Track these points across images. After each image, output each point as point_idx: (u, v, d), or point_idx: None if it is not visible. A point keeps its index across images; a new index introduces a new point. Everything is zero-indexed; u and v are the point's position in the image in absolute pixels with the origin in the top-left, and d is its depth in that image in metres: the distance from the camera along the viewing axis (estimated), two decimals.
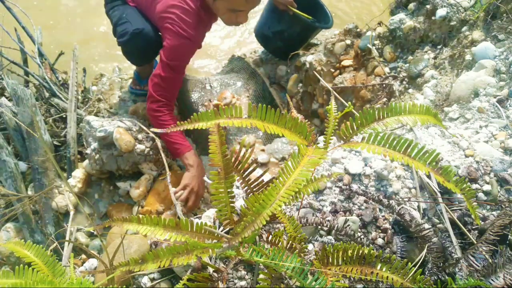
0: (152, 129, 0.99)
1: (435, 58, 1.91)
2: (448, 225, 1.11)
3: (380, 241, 1.08)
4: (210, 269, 0.99)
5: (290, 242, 0.91)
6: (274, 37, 2.50)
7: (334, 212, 1.14)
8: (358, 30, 2.30)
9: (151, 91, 1.87)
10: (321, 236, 1.08)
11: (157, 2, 1.85)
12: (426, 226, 1.09)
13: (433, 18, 1.92)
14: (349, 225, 1.07)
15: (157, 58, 2.12)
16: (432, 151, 0.78)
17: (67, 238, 1.37)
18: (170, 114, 1.89)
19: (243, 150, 0.99)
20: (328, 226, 1.06)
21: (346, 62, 2.25)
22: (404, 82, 1.97)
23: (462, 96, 1.54)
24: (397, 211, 1.11)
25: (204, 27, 1.94)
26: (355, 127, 0.86)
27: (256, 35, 2.65)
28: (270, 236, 0.94)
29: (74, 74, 2.30)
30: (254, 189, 1.00)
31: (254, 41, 2.74)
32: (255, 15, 2.82)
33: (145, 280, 1.03)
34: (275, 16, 2.41)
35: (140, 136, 1.90)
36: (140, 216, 0.83)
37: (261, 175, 1.01)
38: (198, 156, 1.93)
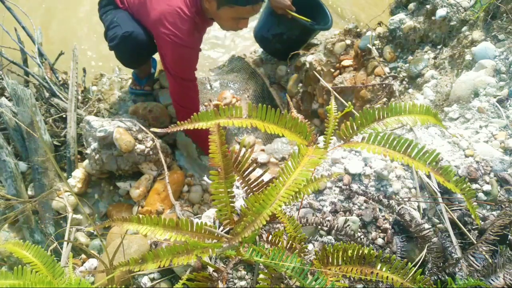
0: (152, 129, 0.99)
1: (435, 58, 1.91)
2: (448, 225, 1.11)
3: (380, 241, 1.08)
4: (210, 269, 0.99)
5: (290, 242, 0.91)
6: (273, 40, 2.51)
7: (334, 212, 1.14)
8: (358, 30, 2.30)
9: (177, 105, 1.94)
10: (321, 236, 1.08)
11: (151, 8, 1.83)
12: (426, 226, 1.09)
13: (433, 18, 1.92)
14: (349, 225, 1.07)
15: (155, 55, 2.13)
16: (432, 151, 0.78)
17: (65, 239, 1.37)
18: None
19: (243, 150, 0.99)
20: (328, 226, 1.06)
21: (346, 62, 2.25)
22: (404, 82, 1.97)
23: (462, 96, 1.54)
24: (397, 211, 1.11)
25: (199, 32, 1.94)
26: (355, 127, 0.86)
27: (255, 37, 2.66)
28: (270, 236, 0.94)
29: (74, 74, 2.30)
30: (254, 189, 1.00)
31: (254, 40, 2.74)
32: (254, 17, 2.81)
33: (145, 280, 1.03)
34: (274, 19, 2.41)
35: (140, 136, 1.90)
36: (140, 216, 0.83)
37: (261, 175, 1.01)
38: None
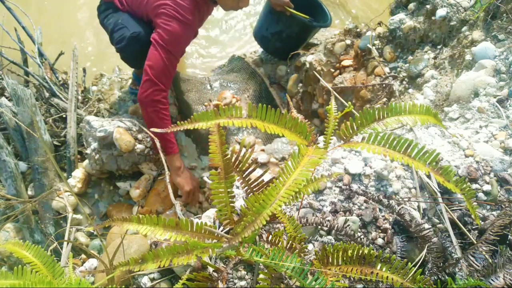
0: (152, 129, 0.99)
1: (435, 58, 1.91)
2: (448, 225, 1.11)
3: (380, 241, 1.08)
4: (210, 269, 0.99)
5: (290, 242, 0.91)
6: (272, 38, 2.51)
7: (334, 212, 1.14)
8: (358, 30, 2.30)
9: (153, 79, 1.78)
10: (321, 236, 1.08)
11: None
12: (426, 226, 1.09)
13: (433, 18, 1.92)
14: (349, 225, 1.07)
15: None
16: (432, 151, 0.78)
17: (66, 239, 1.37)
18: (168, 108, 1.85)
19: (243, 150, 0.99)
20: (328, 226, 1.06)
21: (346, 62, 2.25)
22: (404, 82, 1.97)
23: (462, 96, 1.54)
24: (397, 211, 1.11)
25: (200, 14, 1.91)
26: (355, 127, 0.86)
27: (255, 37, 2.66)
28: (270, 236, 0.94)
29: (74, 74, 2.30)
30: (254, 189, 1.00)
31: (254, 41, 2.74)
32: (254, 18, 2.81)
33: (145, 280, 1.03)
34: (272, 17, 2.41)
35: (140, 136, 1.90)
36: (140, 216, 0.83)
37: (261, 175, 1.01)
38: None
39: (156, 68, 1.79)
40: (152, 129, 0.98)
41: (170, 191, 1.50)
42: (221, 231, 0.88)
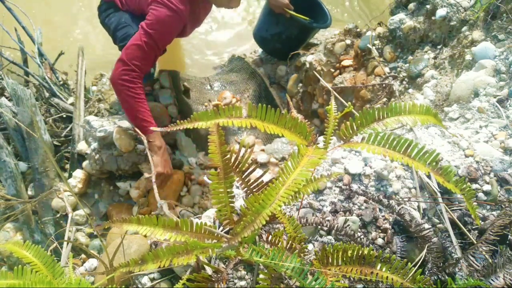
0: (152, 128, 0.99)
1: (435, 58, 1.91)
2: (448, 225, 1.11)
3: (380, 241, 1.08)
4: (210, 269, 0.99)
5: (290, 242, 0.91)
6: (272, 39, 2.51)
7: (334, 212, 1.14)
8: (358, 30, 2.31)
9: (125, 59, 1.71)
10: (321, 236, 1.08)
11: None
12: (426, 226, 1.09)
13: (433, 18, 1.92)
14: (349, 225, 1.07)
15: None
16: (432, 151, 0.78)
17: (65, 239, 1.37)
18: (142, 88, 1.77)
19: (243, 150, 0.99)
20: (328, 226, 1.06)
21: (346, 62, 2.25)
22: (404, 82, 1.97)
23: (462, 96, 1.54)
24: (397, 211, 1.10)
25: (193, 8, 1.89)
26: (355, 127, 0.86)
27: (254, 38, 2.66)
28: (270, 236, 0.94)
29: (82, 72, 2.30)
30: (254, 189, 1.00)
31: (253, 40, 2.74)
32: (254, 20, 2.81)
33: (145, 280, 1.03)
34: (272, 19, 2.41)
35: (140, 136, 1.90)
36: (140, 216, 0.83)
37: (261, 176, 1.01)
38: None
39: (131, 49, 1.72)
40: (152, 128, 0.98)
41: (156, 191, 1.48)
42: (221, 231, 0.88)
